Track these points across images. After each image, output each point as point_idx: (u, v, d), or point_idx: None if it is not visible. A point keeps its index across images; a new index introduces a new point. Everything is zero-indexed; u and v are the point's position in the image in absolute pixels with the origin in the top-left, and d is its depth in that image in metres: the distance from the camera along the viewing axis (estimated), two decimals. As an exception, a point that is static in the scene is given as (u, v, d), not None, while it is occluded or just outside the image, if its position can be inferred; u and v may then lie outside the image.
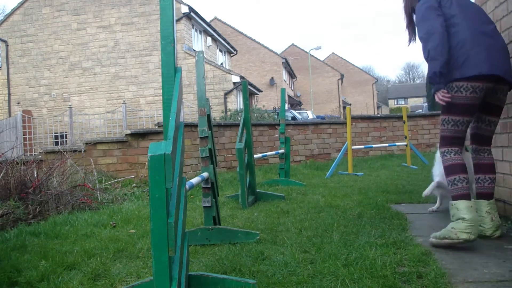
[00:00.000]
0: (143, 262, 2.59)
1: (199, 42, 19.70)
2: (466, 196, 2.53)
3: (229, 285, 2.03)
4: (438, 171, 3.62)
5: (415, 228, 3.10)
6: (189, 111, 15.29)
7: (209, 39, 20.79)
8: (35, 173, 5.10)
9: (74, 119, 14.56)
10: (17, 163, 4.95)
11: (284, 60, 33.28)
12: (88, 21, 18.11)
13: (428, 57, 2.58)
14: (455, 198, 2.55)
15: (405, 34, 3.05)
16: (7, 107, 18.74)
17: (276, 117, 16.28)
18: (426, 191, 3.64)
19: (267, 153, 6.64)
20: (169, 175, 1.50)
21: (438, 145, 2.82)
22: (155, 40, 17.40)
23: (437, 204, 3.76)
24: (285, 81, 34.37)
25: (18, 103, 18.53)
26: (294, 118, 20.15)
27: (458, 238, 2.46)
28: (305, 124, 10.01)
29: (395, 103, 66.77)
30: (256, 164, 7.66)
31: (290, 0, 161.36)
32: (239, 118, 13.36)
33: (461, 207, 2.50)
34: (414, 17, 2.96)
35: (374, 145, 9.12)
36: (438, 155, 3.64)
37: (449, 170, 2.62)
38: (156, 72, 17.43)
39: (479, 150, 2.79)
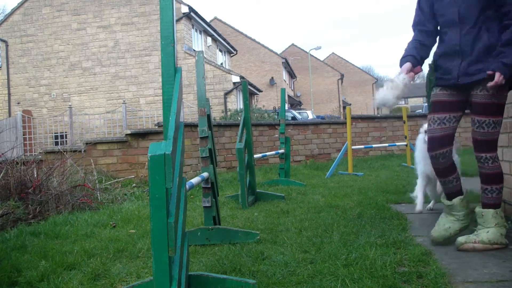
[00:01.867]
0: (143, 262, 2.59)
1: (199, 42, 19.70)
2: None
3: (229, 285, 2.03)
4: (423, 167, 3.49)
5: (415, 228, 3.10)
6: (189, 111, 15.29)
7: (209, 39, 20.79)
8: (35, 173, 5.10)
9: (74, 119, 14.55)
10: (17, 163, 4.95)
11: (284, 60, 33.27)
12: (88, 21, 18.11)
13: None
14: (499, 206, 2.59)
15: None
16: (7, 107, 18.74)
17: (276, 117, 16.27)
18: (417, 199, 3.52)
19: (267, 153, 6.64)
20: (169, 175, 1.50)
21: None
22: (155, 40, 17.40)
23: (431, 204, 3.70)
24: (285, 81, 34.37)
25: (18, 103, 18.53)
26: (294, 118, 20.15)
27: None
28: (305, 124, 10.01)
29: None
30: (256, 164, 7.66)
31: (290, 0, 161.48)
32: (239, 118, 13.36)
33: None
34: None
35: (374, 145, 9.12)
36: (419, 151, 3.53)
37: (500, 177, 2.60)
38: (156, 72, 17.42)
39: None
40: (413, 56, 2.64)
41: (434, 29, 2.70)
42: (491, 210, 2.55)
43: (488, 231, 2.52)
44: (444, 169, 2.63)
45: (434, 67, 2.67)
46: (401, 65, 2.64)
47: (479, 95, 2.52)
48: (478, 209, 2.61)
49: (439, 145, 2.61)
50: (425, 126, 3.27)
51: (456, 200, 2.64)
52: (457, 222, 2.64)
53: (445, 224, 2.65)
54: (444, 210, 2.73)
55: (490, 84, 2.41)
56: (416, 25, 2.73)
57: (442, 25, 2.63)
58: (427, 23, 2.69)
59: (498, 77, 2.37)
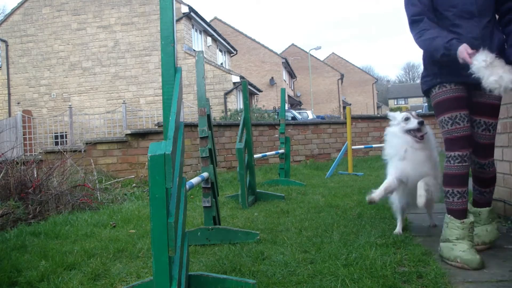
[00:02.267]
0: (143, 262, 2.59)
1: (199, 42, 19.70)
2: None
3: (229, 285, 2.03)
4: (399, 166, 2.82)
5: (415, 228, 3.10)
6: (189, 111, 15.29)
7: (209, 39, 20.78)
8: (35, 173, 5.10)
9: (74, 119, 14.55)
10: (17, 163, 4.95)
11: (284, 60, 33.26)
12: (88, 21, 18.11)
13: None
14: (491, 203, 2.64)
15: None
16: (7, 107, 18.73)
17: (276, 117, 16.27)
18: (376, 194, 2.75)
19: (267, 153, 6.64)
20: (169, 175, 1.50)
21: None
22: (155, 40, 17.40)
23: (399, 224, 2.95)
24: (285, 81, 34.36)
25: (18, 103, 18.53)
26: (294, 118, 20.15)
27: None
28: (305, 124, 10.01)
29: (395, 103, 66.81)
30: (256, 164, 7.66)
31: (290, 0, 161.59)
32: (239, 118, 13.36)
33: None
34: None
35: (374, 145, 9.11)
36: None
37: (495, 178, 2.61)
38: (156, 72, 17.42)
39: None
40: (456, 38, 2.29)
41: (436, 22, 2.43)
42: (487, 208, 2.61)
43: (487, 229, 2.54)
44: (467, 174, 2.37)
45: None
46: (454, 49, 2.25)
47: (488, 95, 2.35)
48: (474, 208, 2.62)
49: (470, 144, 2.37)
50: (405, 113, 3.04)
51: (472, 218, 2.39)
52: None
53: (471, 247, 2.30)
54: (465, 231, 2.32)
55: None
56: (420, 15, 2.42)
57: (453, 17, 2.38)
58: (431, 15, 2.42)
59: None
